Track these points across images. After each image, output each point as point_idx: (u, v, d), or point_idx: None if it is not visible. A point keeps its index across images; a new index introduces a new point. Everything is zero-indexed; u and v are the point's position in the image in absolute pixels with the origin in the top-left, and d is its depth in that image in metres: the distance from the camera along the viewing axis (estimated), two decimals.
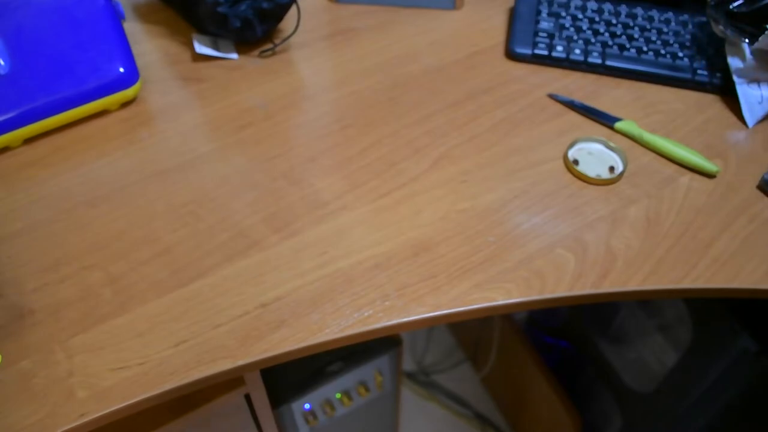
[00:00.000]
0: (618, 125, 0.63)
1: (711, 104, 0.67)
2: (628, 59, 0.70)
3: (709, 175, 0.59)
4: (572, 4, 0.77)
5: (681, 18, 0.75)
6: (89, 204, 0.56)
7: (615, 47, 0.71)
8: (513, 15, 0.76)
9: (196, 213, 0.55)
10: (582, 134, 0.63)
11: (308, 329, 0.47)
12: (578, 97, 0.67)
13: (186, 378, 0.44)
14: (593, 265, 0.51)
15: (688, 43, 0.72)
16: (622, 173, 0.59)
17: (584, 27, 0.73)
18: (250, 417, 0.60)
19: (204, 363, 0.45)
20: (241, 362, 0.45)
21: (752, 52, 0.64)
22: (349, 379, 0.81)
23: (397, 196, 0.57)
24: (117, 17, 0.65)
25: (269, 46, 0.73)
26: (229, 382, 0.53)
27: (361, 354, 0.81)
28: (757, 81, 0.65)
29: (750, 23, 0.63)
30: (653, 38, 0.72)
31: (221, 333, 0.46)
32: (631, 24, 0.74)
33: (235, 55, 0.72)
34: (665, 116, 0.66)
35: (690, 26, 0.74)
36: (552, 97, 0.67)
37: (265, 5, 0.69)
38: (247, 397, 0.57)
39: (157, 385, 0.43)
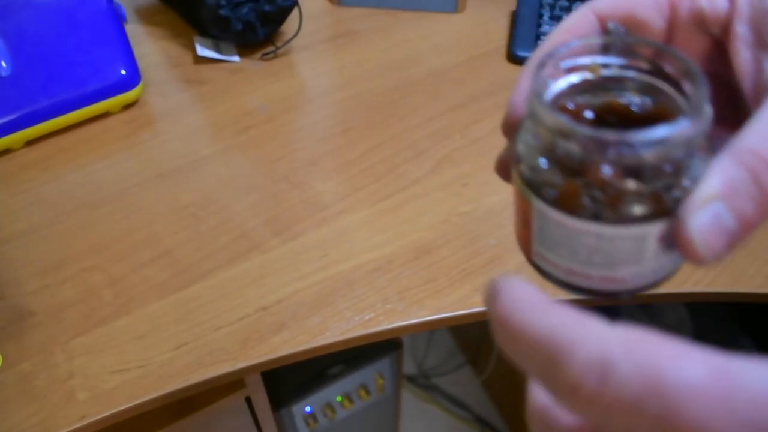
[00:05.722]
0: None
1: None
2: None
3: None
4: (574, 8, 0.77)
5: None
6: (90, 206, 0.56)
7: None
8: (515, 18, 0.76)
9: (197, 215, 0.55)
10: None
11: (309, 332, 0.47)
12: None
13: (186, 380, 0.44)
14: None
15: None
16: None
17: None
18: (251, 420, 0.60)
19: (204, 365, 0.44)
20: (241, 365, 0.45)
21: None
22: (349, 382, 0.81)
23: (399, 199, 0.56)
24: (119, 19, 0.65)
25: (271, 48, 0.73)
26: (229, 384, 0.53)
27: (362, 357, 0.81)
28: None
29: None
30: None
31: (222, 335, 0.46)
32: None
33: (236, 58, 0.72)
34: None
35: None
36: None
37: (266, 8, 0.69)
38: (248, 400, 0.57)
39: (157, 388, 0.43)
